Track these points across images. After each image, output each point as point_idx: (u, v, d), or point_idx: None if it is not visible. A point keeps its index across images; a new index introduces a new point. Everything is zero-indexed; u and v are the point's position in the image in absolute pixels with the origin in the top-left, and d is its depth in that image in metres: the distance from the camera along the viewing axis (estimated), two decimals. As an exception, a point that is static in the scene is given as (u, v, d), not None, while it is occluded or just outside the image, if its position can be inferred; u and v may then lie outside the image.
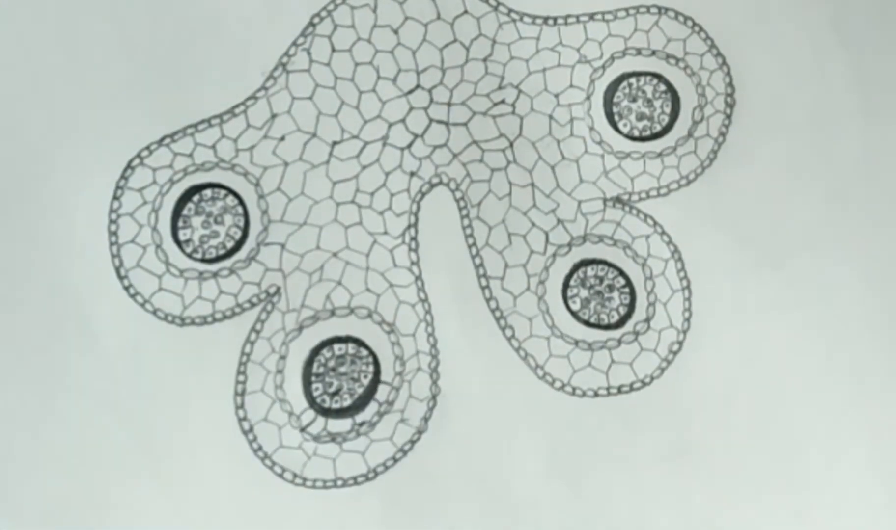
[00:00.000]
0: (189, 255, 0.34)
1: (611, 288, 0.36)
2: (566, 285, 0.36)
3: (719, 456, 0.35)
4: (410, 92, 0.35)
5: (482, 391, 0.35)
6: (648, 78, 0.37)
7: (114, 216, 0.34)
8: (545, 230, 0.36)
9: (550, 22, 0.36)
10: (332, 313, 0.34)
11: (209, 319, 0.34)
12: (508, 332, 0.35)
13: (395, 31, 0.35)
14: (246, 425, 0.34)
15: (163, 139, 0.34)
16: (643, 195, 0.36)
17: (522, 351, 0.35)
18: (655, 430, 0.35)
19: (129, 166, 0.34)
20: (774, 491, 0.36)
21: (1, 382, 0.33)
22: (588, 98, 0.36)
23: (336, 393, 0.34)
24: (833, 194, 0.37)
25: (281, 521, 0.34)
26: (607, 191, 0.36)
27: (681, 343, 0.36)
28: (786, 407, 0.36)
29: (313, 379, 0.34)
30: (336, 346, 0.34)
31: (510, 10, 0.36)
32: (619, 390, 0.35)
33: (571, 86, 0.36)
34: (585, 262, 0.36)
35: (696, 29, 0.37)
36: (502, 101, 0.36)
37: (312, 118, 0.35)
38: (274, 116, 0.35)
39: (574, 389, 0.35)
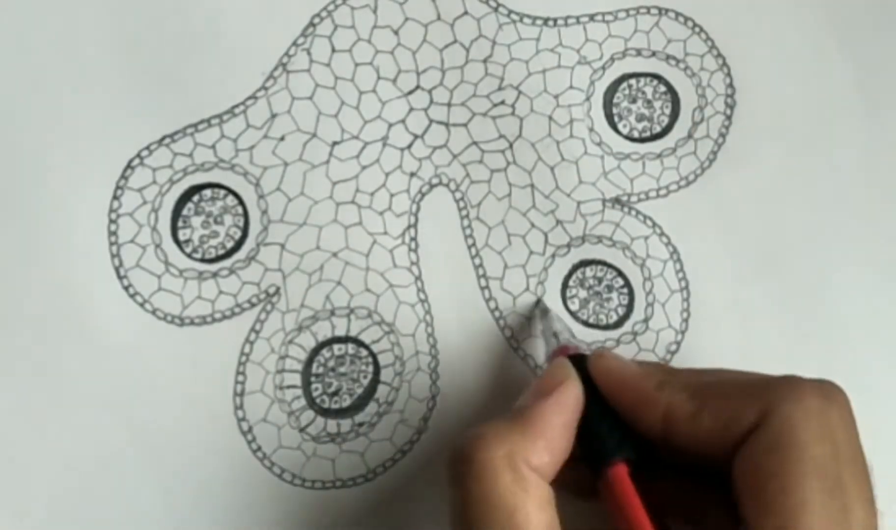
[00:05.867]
0: (189, 255, 0.34)
1: (609, 288, 0.36)
2: (565, 285, 0.36)
3: (718, 457, 0.36)
4: (410, 92, 0.35)
5: (482, 391, 0.35)
6: (648, 79, 0.37)
7: (114, 216, 0.34)
8: (544, 231, 0.36)
9: (550, 23, 0.36)
10: (332, 313, 0.35)
11: (209, 319, 0.34)
12: (508, 332, 0.35)
13: (396, 32, 0.35)
14: (245, 425, 0.34)
15: (163, 139, 0.34)
16: (642, 196, 0.36)
17: (522, 351, 0.35)
18: (654, 431, 0.35)
19: (129, 166, 0.34)
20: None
21: (1, 382, 0.33)
22: (588, 99, 0.36)
23: (336, 393, 0.34)
24: (833, 194, 0.37)
25: (280, 521, 0.34)
26: (606, 192, 0.36)
27: (679, 343, 0.36)
28: (784, 408, 0.36)
29: (313, 379, 0.34)
30: (336, 346, 0.34)
31: (510, 12, 0.36)
32: (618, 391, 0.35)
33: (571, 87, 0.36)
34: (584, 263, 0.36)
35: (697, 30, 0.37)
36: (502, 102, 0.36)
37: (312, 118, 0.35)
38: (274, 116, 0.35)
39: (573, 390, 0.35)
